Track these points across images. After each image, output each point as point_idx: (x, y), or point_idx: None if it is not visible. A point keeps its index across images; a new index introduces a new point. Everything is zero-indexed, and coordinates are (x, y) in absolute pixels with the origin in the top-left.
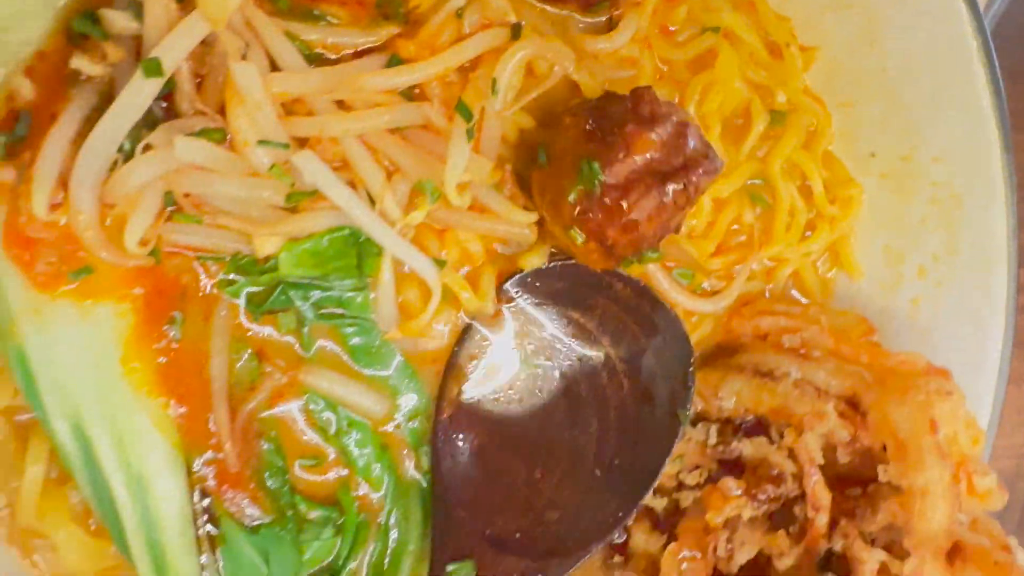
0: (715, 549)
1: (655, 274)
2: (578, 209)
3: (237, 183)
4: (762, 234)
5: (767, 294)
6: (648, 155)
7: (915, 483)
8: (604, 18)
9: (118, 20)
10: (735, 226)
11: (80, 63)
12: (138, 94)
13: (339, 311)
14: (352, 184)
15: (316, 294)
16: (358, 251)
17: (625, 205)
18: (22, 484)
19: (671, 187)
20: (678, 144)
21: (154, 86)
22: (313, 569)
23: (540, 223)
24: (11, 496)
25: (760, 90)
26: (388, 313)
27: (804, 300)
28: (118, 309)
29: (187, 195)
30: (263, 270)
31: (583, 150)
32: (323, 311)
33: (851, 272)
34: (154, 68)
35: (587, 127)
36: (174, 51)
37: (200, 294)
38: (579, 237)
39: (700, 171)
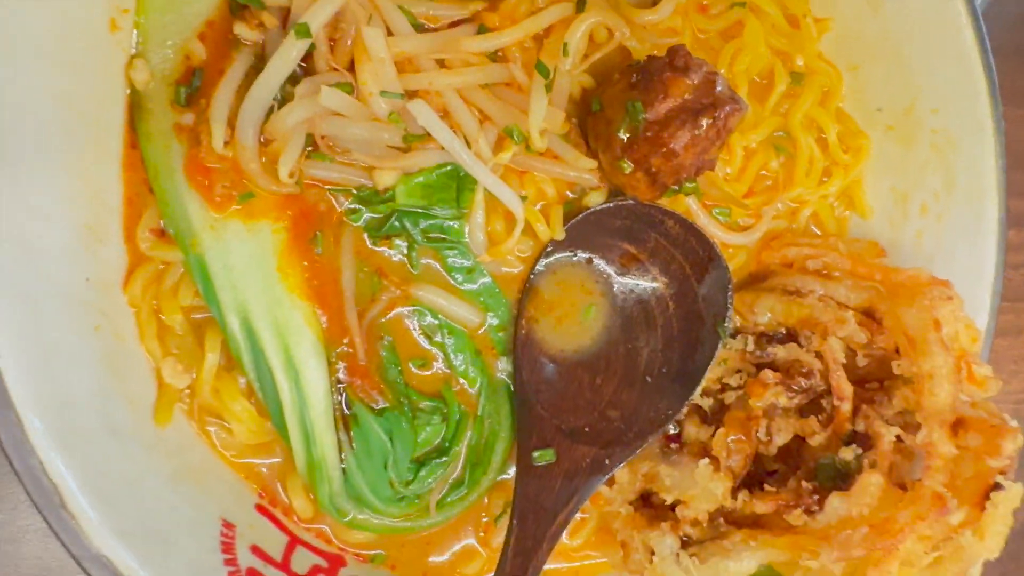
0: (756, 432)
1: (698, 212)
2: (626, 140)
3: (363, 126)
4: (785, 179)
5: (792, 230)
6: (683, 96)
7: (923, 369)
8: None
9: None
10: (763, 172)
11: (241, 30)
12: (290, 51)
13: (441, 236)
14: (452, 129)
15: (423, 222)
16: (457, 185)
17: (665, 136)
18: (201, 369)
19: (704, 121)
20: (708, 88)
21: (303, 45)
22: (426, 449)
23: (599, 168)
24: (192, 378)
25: (781, 55)
26: (479, 238)
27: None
28: (274, 227)
29: (323, 137)
30: (382, 200)
31: (629, 96)
32: (429, 235)
33: (863, 212)
34: (303, 31)
35: (632, 80)
36: (318, 17)
37: (333, 220)
38: (627, 167)
39: (728, 108)
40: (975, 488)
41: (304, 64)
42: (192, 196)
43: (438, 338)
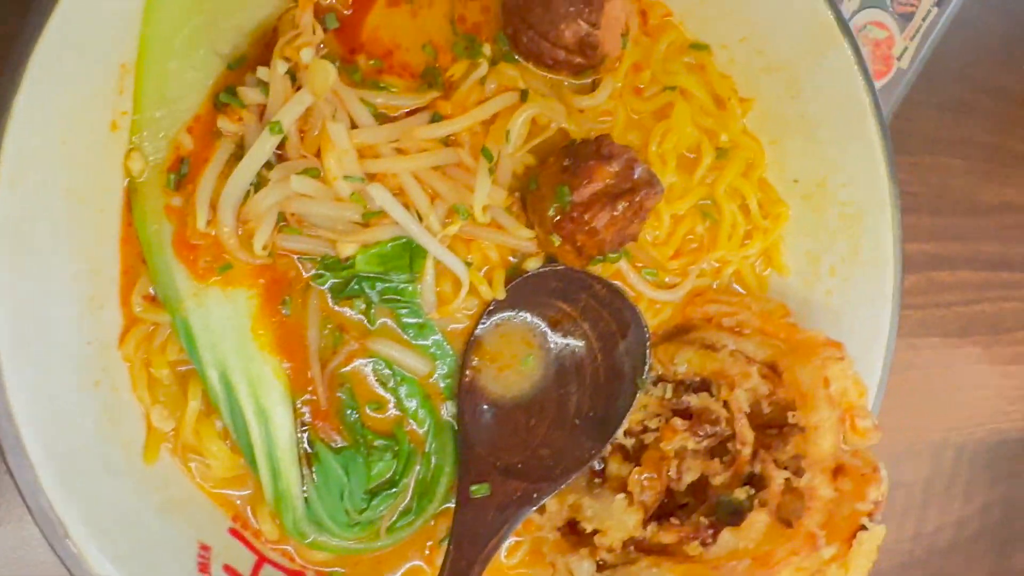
0: (668, 472)
1: (628, 272)
2: (555, 220)
3: (328, 205)
4: (710, 242)
5: (714, 287)
6: (605, 181)
7: (811, 421)
8: (589, 80)
9: (250, 94)
10: (690, 236)
11: (223, 124)
12: (264, 145)
13: (396, 297)
14: (406, 206)
15: (380, 285)
16: (411, 254)
17: (587, 216)
18: (184, 414)
19: (621, 204)
20: (627, 174)
21: (276, 140)
22: (379, 481)
23: (536, 238)
24: (176, 422)
25: (708, 132)
26: (430, 299)
27: (743, 292)
28: (249, 293)
29: (293, 214)
30: (344, 267)
31: (559, 179)
32: (385, 297)
33: (781, 270)
34: (277, 128)
35: (564, 164)
36: (289, 115)
37: (301, 284)
38: (556, 240)
39: (644, 192)
40: (846, 527)
41: (279, 151)
42: (179, 267)
43: (391, 385)
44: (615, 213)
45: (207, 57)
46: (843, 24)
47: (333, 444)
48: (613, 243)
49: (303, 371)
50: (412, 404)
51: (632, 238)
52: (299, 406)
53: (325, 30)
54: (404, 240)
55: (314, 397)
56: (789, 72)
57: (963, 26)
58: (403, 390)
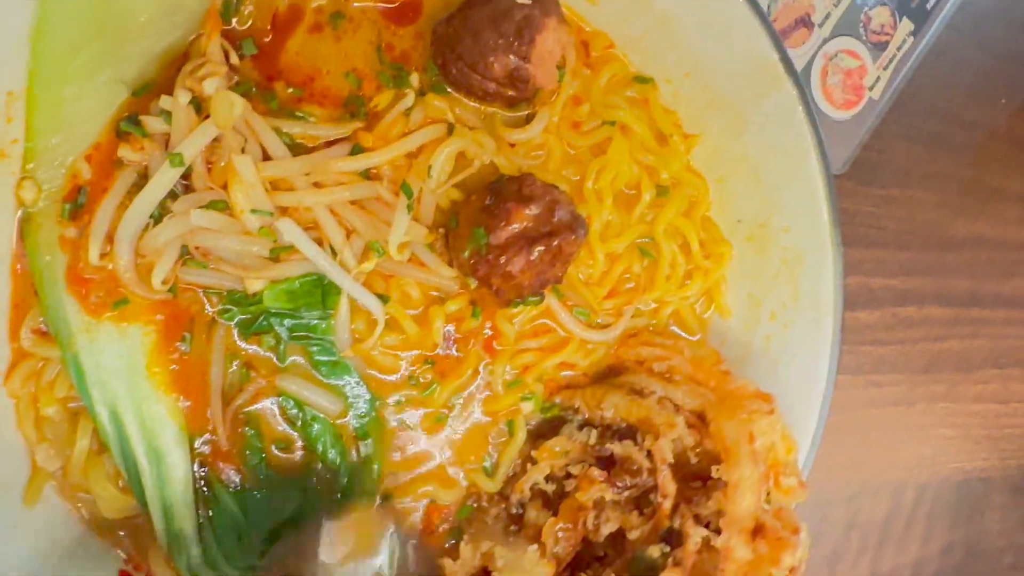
0: (585, 523)
1: (559, 311)
2: (471, 262)
3: (235, 239)
4: (647, 282)
5: (651, 328)
6: (524, 224)
7: (732, 478)
8: (524, 113)
9: (152, 123)
10: (627, 275)
11: (125, 152)
12: (164, 178)
13: (307, 334)
14: (320, 241)
15: (289, 321)
16: (323, 290)
17: (503, 260)
18: (73, 453)
19: (537, 249)
20: (548, 217)
21: (177, 172)
22: (283, 518)
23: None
24: (64, 461)
25: (648, 169)
26: (344, 337)
27: (683, 334)
28: (145, 330)
29: (197, 247)
30: (251, 303)
31: (478, 219)
32: (295, 334)
33: (722, 312)
34: (178, 160)
35: (485, 202)
36: (191, 147)
37: (205, 320)
38: (472, 283)
39: (563, 236)
40: None
41: (186, 182)
42: (71, 301)
43: (299, 424)
44: (531, 258)
45: (109, 83)
46: (788, 64)
47: (232, 485)
48: (532, 287)
49: (202, 410)
50: (321, 444)
51: (555, 280)
52: (198, 446)
53: (242, 56)
54: (315, 276)
55: (214, 437)
56: (734, 110)
57: (938, 57)
58: (314, 428)
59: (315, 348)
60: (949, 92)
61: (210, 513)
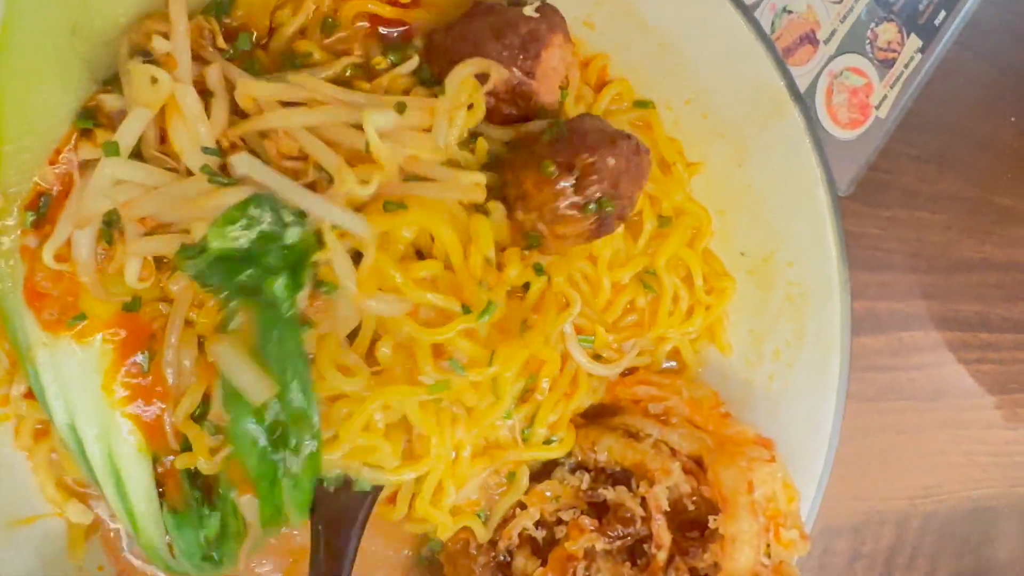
0: (575, 573)
1: (571, 338)
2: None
3: (175, 189)
4: (650, 317)
5: (646, 365)
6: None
7: (729, 531)
8: None
9: (109, 101)
10: (630, 308)
11: (87, 151)
12: (106, 169)
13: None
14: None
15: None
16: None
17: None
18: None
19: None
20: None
21: (117, 163)
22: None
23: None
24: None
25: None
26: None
27: (676, 367)
28: (103, 348)
29: (142, 220)
30: (198, 251)
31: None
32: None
33: (722, 349)
34: (112, 149)
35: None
36: (126, 135)
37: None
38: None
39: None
40: None
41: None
42: (29, 316)
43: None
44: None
45: (82, 84)
46: (794, 91)
47: (174, 508)
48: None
49: (164, 428)
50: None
51: (631, 204)
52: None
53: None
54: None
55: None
56: (736, 138)
57: (947, 74)
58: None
59: (267, 312)
60: (957, 110)
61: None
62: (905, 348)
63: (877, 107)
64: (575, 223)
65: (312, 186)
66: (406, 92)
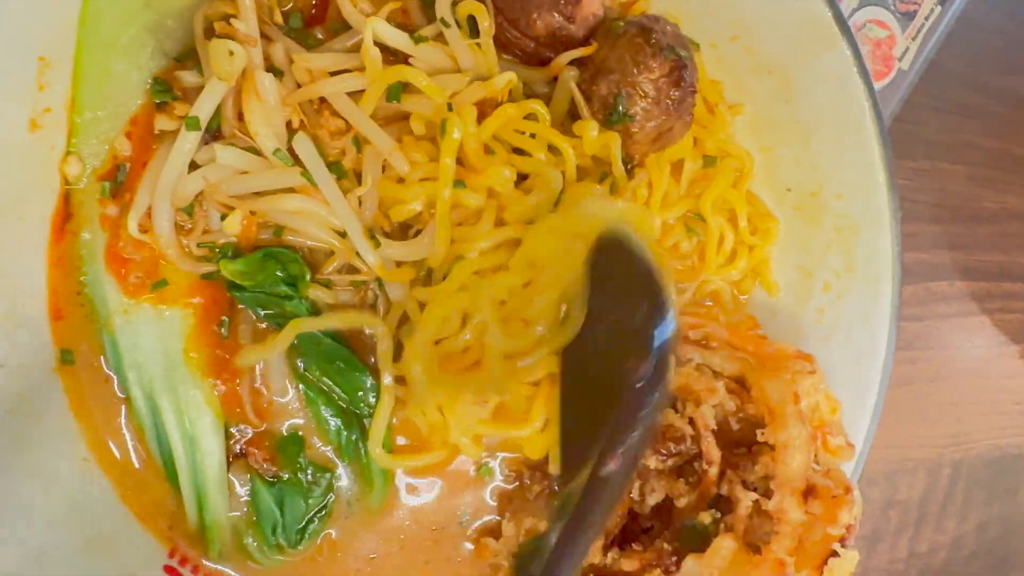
0: (630, 494)
1: None
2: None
3: (265, 177)
4: (698, 261)
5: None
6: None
7: (780, 439)
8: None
9: (186, 77)
10: (674, 254)
11: (163, 123)
12: (185, 143)
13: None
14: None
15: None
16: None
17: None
18: None
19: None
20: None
21: (195, 136)
22: (314, 511)
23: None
24: None
25: (695, 139)
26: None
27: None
28: (184, 313)
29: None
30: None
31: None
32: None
33: (769, 289)
34: (193, 123)
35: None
36: (204, 108)
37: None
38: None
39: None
40: (817, 553)
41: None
42: (110, 281)
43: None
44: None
45: (154, 57)
46: (842, 23)
47: (268, 477)
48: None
49: (239, 397)
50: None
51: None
52: (234, 434)
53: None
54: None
55: (250, 426)
56: (782, 74)
57: (967, 26)
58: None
59: None
60: (979, 61)
61: (243, 504)
62: (933, 297)
63: (900, 59)
64: (656, 71)
65: None
66: None
